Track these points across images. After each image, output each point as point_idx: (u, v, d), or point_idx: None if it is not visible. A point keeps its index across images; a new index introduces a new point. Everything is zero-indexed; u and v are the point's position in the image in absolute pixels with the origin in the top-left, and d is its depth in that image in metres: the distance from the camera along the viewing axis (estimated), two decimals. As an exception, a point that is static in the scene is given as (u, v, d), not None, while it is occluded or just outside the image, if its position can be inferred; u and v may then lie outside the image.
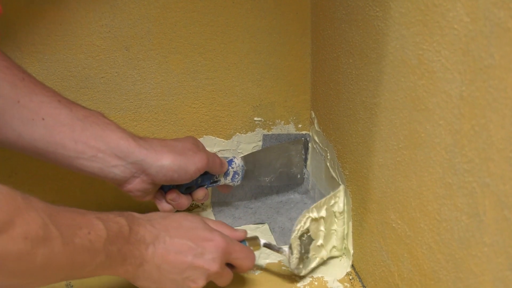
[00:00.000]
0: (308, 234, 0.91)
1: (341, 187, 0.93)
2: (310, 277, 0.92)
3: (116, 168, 0.84)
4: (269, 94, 1.06)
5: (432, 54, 0.60)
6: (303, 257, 0.91)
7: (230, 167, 0.99)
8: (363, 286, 0.90)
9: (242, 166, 1.00)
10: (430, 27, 0.60)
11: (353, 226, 0.91)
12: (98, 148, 0.82)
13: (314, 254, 0.93)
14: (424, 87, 0.63)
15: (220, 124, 1.06)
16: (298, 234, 0.90)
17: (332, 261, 0.96)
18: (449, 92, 0.58)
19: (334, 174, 0.96)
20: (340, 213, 0.94)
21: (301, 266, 0.91)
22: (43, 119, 0.79)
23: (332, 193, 0.93)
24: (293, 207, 1.10)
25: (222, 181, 0.98)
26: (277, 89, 1.05)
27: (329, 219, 0.93)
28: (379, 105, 0.75)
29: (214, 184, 0.97)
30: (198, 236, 0.81)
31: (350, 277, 0.93)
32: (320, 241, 0.94)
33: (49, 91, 0.82)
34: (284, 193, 1.13)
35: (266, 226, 1.05)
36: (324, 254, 0.95)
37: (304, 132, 1.09)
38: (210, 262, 0.80)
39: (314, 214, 0.91)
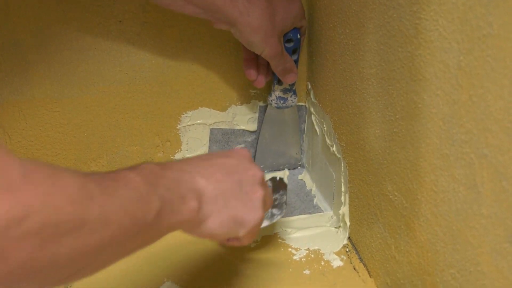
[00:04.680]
0: None
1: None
2: (306, 250, 0.92)
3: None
4: (264, 65, 1.05)
5: (430, 23, 0.59)
6: None
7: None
8: (360, 258, 0.90)
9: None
10: (427, -4, 0.59)
11: (349, 198, 0.91)
12: None
13: None
14: (422, 57, 0.62)
15: (216, 96, 1.05)
16: None
17: (329, 234, 0.96)
18: (446, 62, 0.57)
19: (330, 146, 0.96)
20: None
21: None
22: None
23: None
24: (288, 180, 1.10)
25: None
26: (273, 60, 1.04)
27: None
28: (376, 75, 0.74)
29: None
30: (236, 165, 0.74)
31: (347, 249, 0.93)
32: None
33: None
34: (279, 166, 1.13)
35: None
36: None
37: (300, 104, 1.08)
38: (256, 168, 0.75)
39: None
